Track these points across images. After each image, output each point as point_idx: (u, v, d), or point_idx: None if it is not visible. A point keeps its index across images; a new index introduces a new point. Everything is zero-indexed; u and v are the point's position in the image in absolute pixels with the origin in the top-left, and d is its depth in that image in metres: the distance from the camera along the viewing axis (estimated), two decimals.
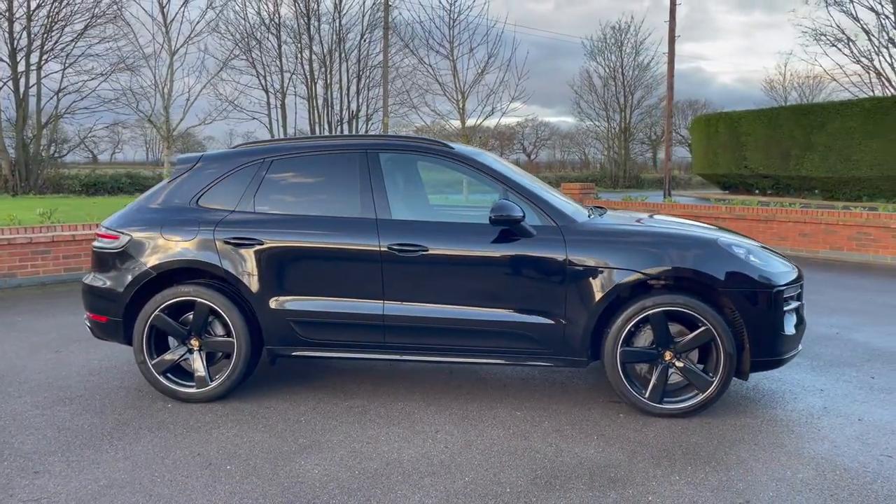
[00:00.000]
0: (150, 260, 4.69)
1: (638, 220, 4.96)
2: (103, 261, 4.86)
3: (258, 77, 31.63)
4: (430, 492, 3.48)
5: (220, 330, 4.75)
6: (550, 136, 68.61)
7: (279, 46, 31.50)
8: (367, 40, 32.86)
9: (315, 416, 4.48)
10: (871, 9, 33.21)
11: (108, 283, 4.79)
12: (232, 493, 3.48)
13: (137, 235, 4.74)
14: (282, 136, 27.36)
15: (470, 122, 18.91)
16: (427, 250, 4.50)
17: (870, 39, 34.12)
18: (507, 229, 4.46)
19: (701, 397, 4.39)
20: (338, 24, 31.29)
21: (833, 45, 36.16)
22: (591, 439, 4.12)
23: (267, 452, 3.95)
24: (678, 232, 4.61)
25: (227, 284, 4.71)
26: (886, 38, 33.57)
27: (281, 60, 31.82)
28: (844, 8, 34.50)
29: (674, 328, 4.43)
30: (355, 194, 4.71)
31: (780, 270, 4.52)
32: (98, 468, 3.75)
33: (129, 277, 4.71)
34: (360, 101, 37.49)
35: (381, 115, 32.01)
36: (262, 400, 4.77)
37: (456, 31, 18.86)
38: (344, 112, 36.74)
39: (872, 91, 34.70)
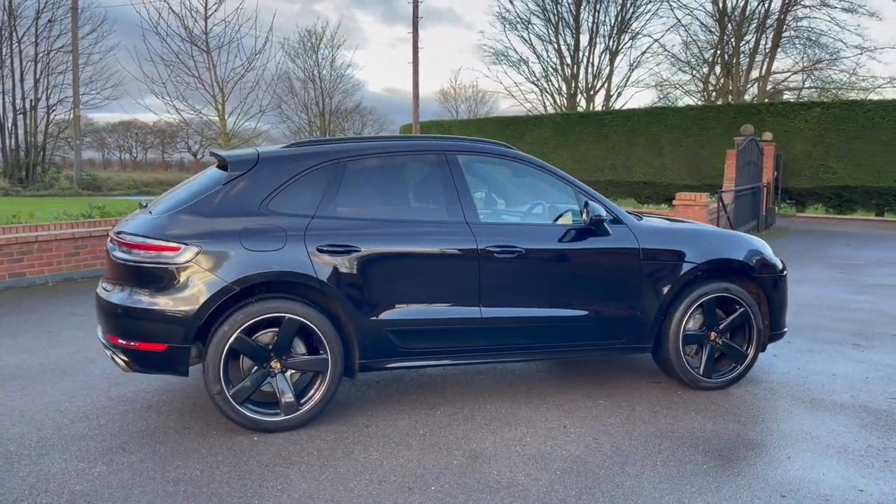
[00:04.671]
0: (231, 274, 4.07)
1: (673, 221, 5.55)
2: (155, 277, 4.08)
3: None
4: (646, 475, 3.70)
5: (300, 348, 4.30)
6: (218, 135, 66.87)
7: None
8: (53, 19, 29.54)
9: (437, 428, 4.33)
10: (540, 38, 38.32)
11: (170, 304, 4.04)
12: (441, 498, 3.34)
13: (210, 246, 4.08)
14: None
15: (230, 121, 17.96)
16: (521, 251, 4.59)
17: (541, 64, 39.34)
18: (592, 229, 4.74)
19: (740, 369, 5.12)
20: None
21: (513, 66, 40.94)
22: (688, 414, 4.60)
23: (443, 467, 3.77)
24: (716, 229, 5.29)
25: (318, 296, 4.28)
26: (552, 65, 38.93)
27: None
28: (521, 35, 39.25)
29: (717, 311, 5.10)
30: (440, 197, 4.60)
31: (779, 259, 5.45)
32: None
33: (204, 295, 4.03)
34: (43, 89, 33.46)
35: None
36: (355, 419, 4.45)
37: (210, 24, 17.74)
38: (19, 102, 32.45)
39: (545, 108, 39.97)
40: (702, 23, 35.06)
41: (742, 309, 5.06)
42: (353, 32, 79.88)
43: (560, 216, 4.96)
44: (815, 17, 32.32)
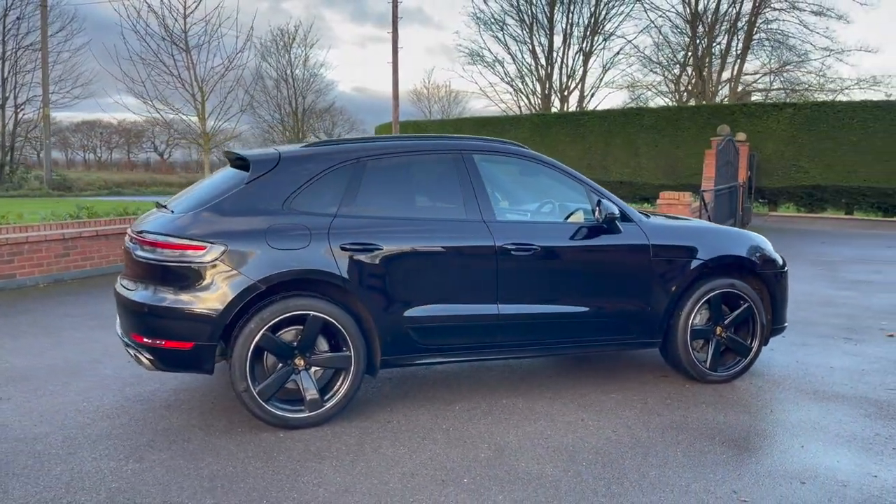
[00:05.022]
0: (258, 272, 4.11)
1: (676, 219, 5.69)
2: (181, 276, 4.10)
3: None
4: (662, 460, 3.82)
5: (323, 345, 4.35)
6: (185, 135, 66.25)
7: None
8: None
9: (458, 422, 4.41)
10: (515, 38, 38.57)
11: (197, 302, 4.06)
12: (475, 489, 3.43)
13: (235, 245, 4.11)
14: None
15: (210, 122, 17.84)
16: (537, 248, 4.68)
17: (516, 65, 39.58)
18: (604, 227, 4.85)
19: (744, 363, 5.27)
20: None
21: (488, 67, 41.16)
22: (699, 407, 4.73)
23: (471, 461, 3.85)
24: (719, 226, 5.44)
25: (341, 294, 4.33)
26: (526, 66, 39.20)
27: None
28: (496, 35, 39.47)
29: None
30: (457, 195, 4.67)
31: (780, 255, 5.61)
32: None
33: (231, 294, 4.06)
34: (10, 87, 33.00)
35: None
36: (376, 415, 4.51)
37: (189, 23, 17.60)
38: None
39: (519, 108, 40.24)
40: (674, 24, 35.55)
41: (746, 304, 5.20)
42: (321, 31, 79.70)
43: (571, 214, 5.06)
44: (784, 20, 32.95)
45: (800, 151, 22.40)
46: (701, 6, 33.96)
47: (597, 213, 4.83)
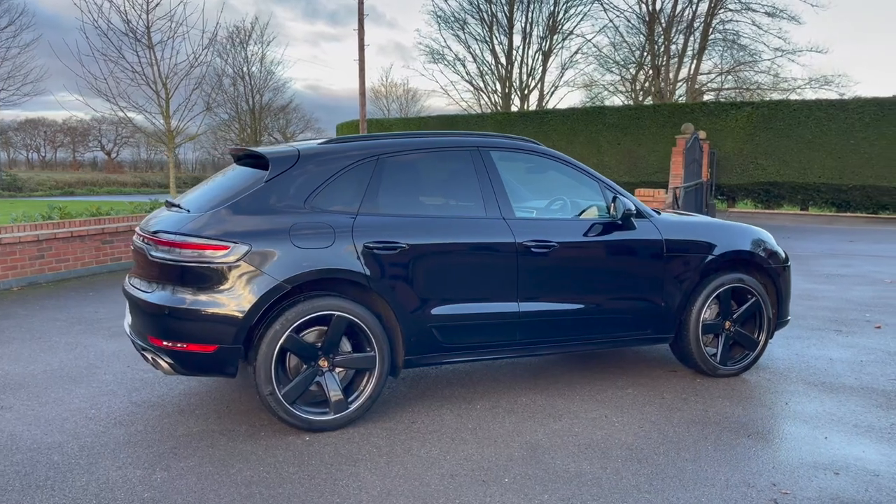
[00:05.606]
0: (283, 272, 4.00)
1: (683, 215, 5.73)
2: (203, 277, 3.97)
3: None
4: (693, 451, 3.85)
5: (345, 346, 4.27)
6: (133, 133, 64.97)
7: None
8: None
9: (483, 421, 4.37)
10: (475, 37, 38.64)
11: (221, 304, 3.94)
12: (519, 489, 3.41)
13: (259, 244, 3.99)
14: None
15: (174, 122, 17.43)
16: (556, 245, 4.67)
17: (476, 64, 39.64)
18: (619, 223, 4.86)
19: (752, 356, 5.35)
20: None
21: (448, 66, 41.17)
22: (715, 401, 4.78)
23: (507, 460, 3.82)
24: (726, 222, 5.49)
25: (364, 293, 4.25)
26: (487, 64, 39.32)
27: None
28: (456, 34, 39.48)
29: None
30: (476, 193, 4.63)
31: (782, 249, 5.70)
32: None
33: (257, 294, 3.95)
34: None
35: None
36: (398, 415, 4.45)
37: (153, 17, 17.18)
38: None
39: (480, 107, 40.36)
40: (632, 24, 36.03)
41: (753, 298, 5.28)
42: (271, 29, 78.34)
43: (583, 211, 5.07)
44: (739, 21, 33.69)
45: (757, 149, 22.94)
46: (658, 5, 34.53)
47: (612, 210, 4.83)
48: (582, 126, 25.40)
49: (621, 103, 36.05)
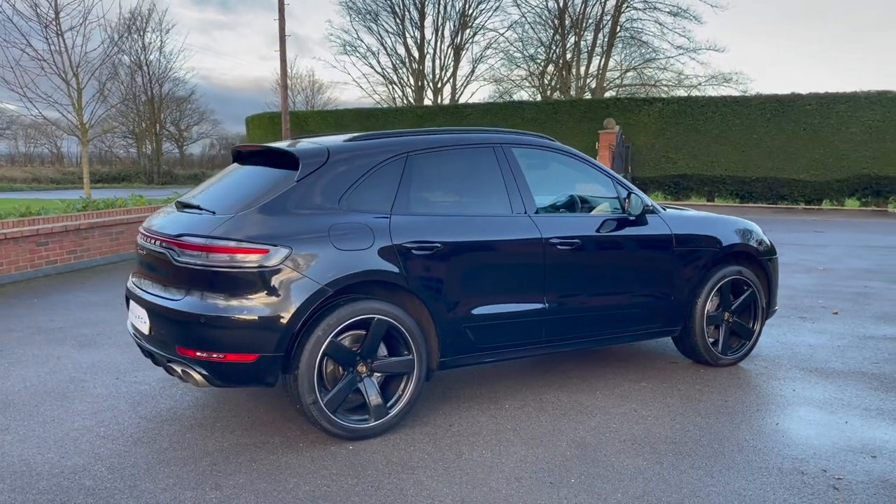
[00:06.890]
0: (325, 275, 3.82)
1: (685, 210, 5.85)
2: (240, 282, 3.73)
3: None
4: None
5: (382, 350, 4.13)
6: (10, 125, 61.08)
7: None
8: None
9: (518, 421, 4.33)
10: (388, 31, 38.40)
11: (261, 310, 3.72)
12: (589, 489, 3.42)
13: (300, 247, 3.79)
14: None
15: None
16: (578, 241, 4.68)
17: (389, 57, 39.41)
18: (633, 219, 4.93)
19: (749, 345, 5.55)
20: None
21: (361, 58, 40.76)
22: (729, 390, 4.92)
23: (562, 459, 3.80)
24: (724, 216, 5.64)
25: (401, 295, 4.12)
26: (400, 58, 39.17)
27: None
28: (368, 26, 39.09)
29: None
30: (501, 190, 4.57)
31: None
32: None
33: (300, 299, 3.75)
34: None
35: None
36: (432, 419, 4.35)
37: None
38: None
39: (394, 100, 40.15)
40: (543, 20, 36.68)
41: (750, 290, 5.47)
42: (164, 16, 74.64)
43: (595, 207, 5.11)
44: (644, 20, 34.92)
45: (668, 143, 23.88)
46: (568, 3, 35.30)
47: (626, 205, 4.89)
48: (500, 120, 25.68)
49: (529, 98, 36.68)
